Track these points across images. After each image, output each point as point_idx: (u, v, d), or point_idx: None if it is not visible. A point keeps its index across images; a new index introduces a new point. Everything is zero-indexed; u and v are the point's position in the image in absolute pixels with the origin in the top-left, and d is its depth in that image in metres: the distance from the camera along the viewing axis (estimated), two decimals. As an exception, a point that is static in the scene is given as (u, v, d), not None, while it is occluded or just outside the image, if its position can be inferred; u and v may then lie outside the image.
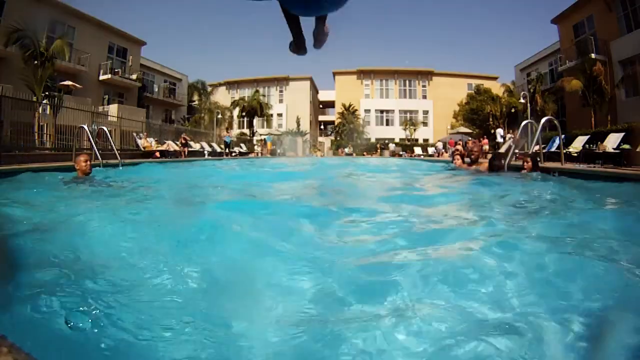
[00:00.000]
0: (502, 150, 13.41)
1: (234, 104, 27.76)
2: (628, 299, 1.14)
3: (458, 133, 23.79)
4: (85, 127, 7.06)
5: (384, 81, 31.92)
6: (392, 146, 25.98)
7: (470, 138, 22.20)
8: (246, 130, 28.11)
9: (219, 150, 17.63)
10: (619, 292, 1.18)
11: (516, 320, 1.02)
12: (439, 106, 29.97)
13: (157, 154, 12.46)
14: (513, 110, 21.43)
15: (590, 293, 1.16)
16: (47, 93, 11.55)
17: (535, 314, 1.05)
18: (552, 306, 1.09)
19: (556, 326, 0.99)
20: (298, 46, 1.83)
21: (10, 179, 4.11)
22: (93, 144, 6.85)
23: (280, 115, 31.40)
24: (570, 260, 1.45)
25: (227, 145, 17.75)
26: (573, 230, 1.92)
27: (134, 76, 20.63)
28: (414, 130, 29.38)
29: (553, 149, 9.61)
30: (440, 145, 22.75)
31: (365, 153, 25.96)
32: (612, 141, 8.22)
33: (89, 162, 4.04)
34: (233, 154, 17.89)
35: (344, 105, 29.73)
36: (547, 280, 1.28)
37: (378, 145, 26.71)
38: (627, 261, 1.38)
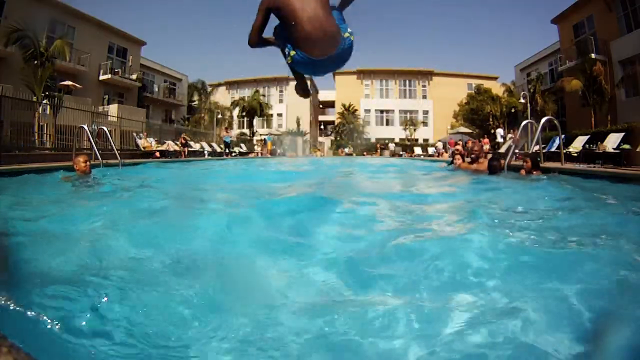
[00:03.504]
0: (502, 150, 13.41)
1: (234, 104, 27.78)
2: (628, 298, 1.13)
3: (458, 133, 23.78)
4: (85, 127, 7.05)
5: (384, 81, 31.93)
6: (391, 146, 26.03)
7: (470, 138, 22.19)
8: (246, 130, 28.14)
9: (218, 150, 17.64)
10: (619, 291, 1.18)
11: (513, 321, 1.02)
12: (439, 106, 29.98)
13: (157, 153, 12.46)
14: (513, 110, 21.43)
15: (589, 292, 1.16)
16: (47, 93, 11.55)
17: (533, 313, 1.04)
18: (551, 307, 1.09)
19: (555, 329, 0.99)
20: (302, 88, 2.45)
21: (11, 179, 4.11)
22: (93, 144, 6.85)
23: (280, 115, 31.40)
24: (568, 260, 1.45)
25: (227, 145, 17.67)
26: (571, 230, 1.92)
27: (134, 76, 20.62)
28: (414, 130, 29.38)
29: (553, 149, 9.61)
30: (440, 145, 22.75)
31: (365, 153, 25.96)
32: (612, 141, 8.21)
33: (88, 163, 4.08)
34: (233, 154, 17.82)
35: (344, 105, 29.74)
36: (544, 281, 1.28)
37: (378, 145, 26.72)
38: (626, 261, 1.38)
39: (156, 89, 24.44)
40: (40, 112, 10.68)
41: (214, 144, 18.21)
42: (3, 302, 0.96)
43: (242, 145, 22.00)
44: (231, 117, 28.14)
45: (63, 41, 12.56)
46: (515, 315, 1.03)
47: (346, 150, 26.64)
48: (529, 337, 0.94)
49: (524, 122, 7.23)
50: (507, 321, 1.00)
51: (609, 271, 1.32)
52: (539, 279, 1.30)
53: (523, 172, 4.43)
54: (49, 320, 0.95)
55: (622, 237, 1.65)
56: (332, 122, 33.34)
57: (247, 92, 30.85)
